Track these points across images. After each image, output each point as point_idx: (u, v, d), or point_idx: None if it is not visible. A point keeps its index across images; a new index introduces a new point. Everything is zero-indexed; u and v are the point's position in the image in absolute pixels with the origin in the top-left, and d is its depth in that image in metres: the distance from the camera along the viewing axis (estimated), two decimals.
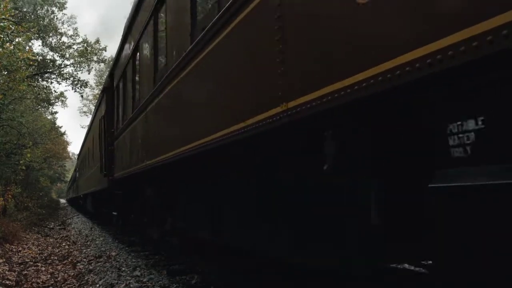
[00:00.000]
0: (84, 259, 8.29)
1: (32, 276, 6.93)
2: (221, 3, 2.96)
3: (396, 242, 2.48)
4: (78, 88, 24.52)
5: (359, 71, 1.62)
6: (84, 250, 9.65)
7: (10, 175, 17.55)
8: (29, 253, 9.40)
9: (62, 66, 24.06)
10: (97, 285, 5.85)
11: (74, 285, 6.22)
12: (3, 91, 13.26)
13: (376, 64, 1.54)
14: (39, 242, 11.64)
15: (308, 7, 2.01)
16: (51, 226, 17.36)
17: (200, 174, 4.73)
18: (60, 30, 23.63)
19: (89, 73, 38.25)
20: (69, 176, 52.28)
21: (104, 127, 11.19)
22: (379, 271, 2.87)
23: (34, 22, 19.95)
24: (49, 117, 29.00)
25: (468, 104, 1.34)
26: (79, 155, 28.82)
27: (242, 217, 3.80)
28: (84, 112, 47.30)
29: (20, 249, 9.91)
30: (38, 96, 22.54)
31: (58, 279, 6.66)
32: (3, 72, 13.25)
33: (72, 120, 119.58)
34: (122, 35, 8.31)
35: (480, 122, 1.29)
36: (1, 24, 12.21)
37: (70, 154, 49.38)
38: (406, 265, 4.01)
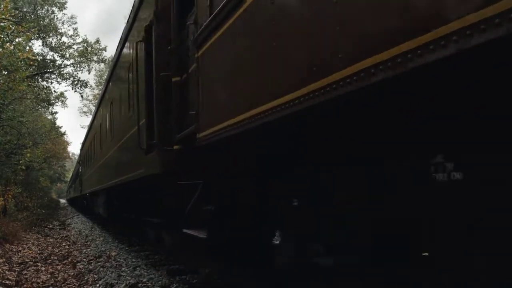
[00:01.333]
0: (84, 259, 8.29)
1: (32, 276, 6.94)
2: None
3: None
4: (78, 88, 24.57)
5: None
6: (84, 250, 9.65)
7: (10, 175, 17.55)
8: (29, 253, 9.40)
9: (62, 66, 24.10)
10: (98, 285, 5.85)
11: (74, 285, 6.22)
12: (3, 91, 13.27)
13: None
14: (39, 242, 11.64)
15: None
16: (51, 226, 17.35)
17: None
18: (60, 30, 23.68)
19: (89, 73, 38.34)
20: (69, 176, 52.29)
21: (157, 41, 5.11)
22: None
23: (34, 22, 19.95)
24: (49, 117, 29.03)
25: None
26: (83, 143, 22.66)
27: None
28: (84, 112, 47.33)
29: (20, 249, 9.91)
30: (38, 96, 22.55)
31: (58, 279, 6.66)
32: (3, 72, 13.25)
33: (72, 120, 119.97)
34: None
35: None
36: (1, 24, 12.22)
37: (70, 154, 49.46)
38: None
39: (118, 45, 9.02)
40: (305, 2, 2.27)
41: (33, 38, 19.57)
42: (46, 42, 23.37)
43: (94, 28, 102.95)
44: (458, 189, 1.99)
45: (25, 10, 21.02)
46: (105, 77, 8.70)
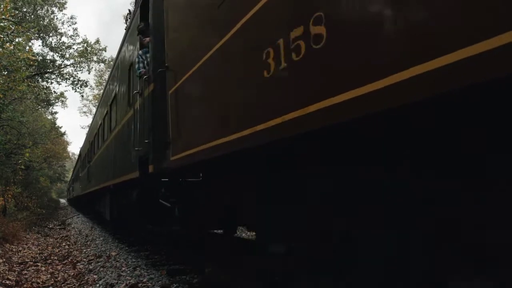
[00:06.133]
0: (84, 259, 8.29)
1: (32, 276, 6.94)
2: None
3: None
4: (78, 88, 24.53)
5: None
6: (84, 250, 9.65)
7: (10, 175, 17.55)
8: (29, 253, 9.40)
9: (62, 66, 24.08)
10: (98, 285, 5.85)
11: (74, 285, 6.22)
12: (3, 91, 13.26)
13: None
14: (39, 242, 11.64)
15: None
16: (51, 226, 17.35)
17: None
18: (60, 30, 23.67)
19: (89, 73, 38.31)
20: (69, 176, 52.26)
21: None
22: None
23: (34, 22, 19.95)
24: (49, 117, 29.02)
25: None
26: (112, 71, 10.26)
27: None
28: (84, 112, 47.37)
29: (20, 249, 9.92)
30: (38, 96, 22.53)
31: (58, 279, 6.66)
32: (3, 72, 13.25)
33: (72, 120, 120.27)
34: None
35: None
36: (1, 24, 12.22)
37: (70, 154, 49.49)
38: None
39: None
40: None
41: (33, 38, 19.59)
42: (46, 42, 23.37)
43: (95, 23, 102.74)
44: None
45: (25, 10, 21.00)
46: None
